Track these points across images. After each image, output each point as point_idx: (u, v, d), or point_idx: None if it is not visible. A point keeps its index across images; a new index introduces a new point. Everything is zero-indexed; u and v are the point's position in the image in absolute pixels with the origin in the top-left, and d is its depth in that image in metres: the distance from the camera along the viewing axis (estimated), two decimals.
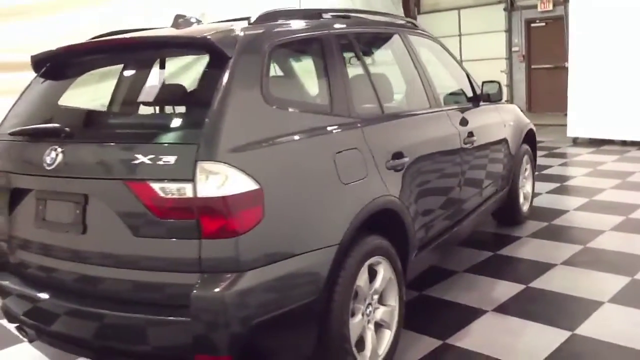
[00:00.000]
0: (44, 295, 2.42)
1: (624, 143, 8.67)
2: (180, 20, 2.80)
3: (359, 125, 2.74)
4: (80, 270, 2.33)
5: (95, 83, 3.20)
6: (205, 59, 2.47)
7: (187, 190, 2.05)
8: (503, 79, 12.67)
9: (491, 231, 4.96)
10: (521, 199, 5.03)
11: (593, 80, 8.70)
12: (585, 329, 3.13)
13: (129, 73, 3.00)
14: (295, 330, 2.32)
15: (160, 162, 2.08)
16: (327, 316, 2.39)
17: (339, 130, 2.61)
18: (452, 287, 3.83)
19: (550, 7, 12.30)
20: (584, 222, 5.06)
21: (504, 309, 3.47)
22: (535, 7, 12.50)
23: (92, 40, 2.72)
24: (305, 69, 2.77)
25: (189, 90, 2.52)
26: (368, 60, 3.03)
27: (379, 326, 2.78)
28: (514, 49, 13.14)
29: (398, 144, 2.94)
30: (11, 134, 2.57)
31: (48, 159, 2.33)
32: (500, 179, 4.50)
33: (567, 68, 11.84)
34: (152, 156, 2.10)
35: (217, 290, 2.04)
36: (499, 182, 4.47)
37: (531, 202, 5.33)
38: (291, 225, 2.25)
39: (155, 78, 2.83)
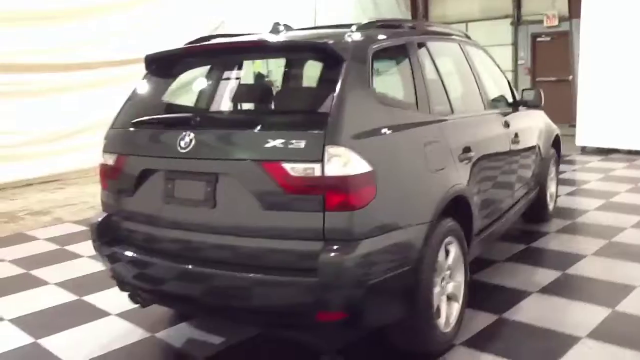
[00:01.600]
0: (170, 263, 2.78)
1: (629, 152, 9.13)
2: (279, 27, 3.18)
3: (437, 121, 3.14)
4: (210, 240, 2.69)
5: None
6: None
7: (316, 169, 2.43)
8: None
9: (520, 228, 5.35)
10: (548, 199, 5.44)
11: (601, 92, 9.16)
12: (623, 306, 3.53)
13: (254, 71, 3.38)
14: (394, 294, 2.69)
15: (292, 146, 2.46)
16: (417, 285, 2.76)
17: (425, 125, 3.01)
18: (496, 273, 4.22)
19: (556, 23, 12.81)
20: (605, 220, 5.48)
21: (547, 290, 3.86)
22: (541, 22, 13.01)
23: (218, 42, 3.09)
24: (394, 70, 3.15)
25: (311, 87, 2.89)
26: (438, 65, 3.42)
27: (449, 299, 3.16)
28: (519, 62, 13.64)
29: (467, 140, 3.35)
30: (140, 122, 2.93)
31: (182, 143, 2.69)
32: (534, 178, 4.91)
33: (570, 81, 12.45)
34: (283, 141, 2.47)
35: (341, 255, 2.41)
36: (532, 181, 4.88)
37: (555, 202, 5.75)
38: (395, 202, 2.63)
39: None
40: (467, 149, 3.31)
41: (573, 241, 4.91)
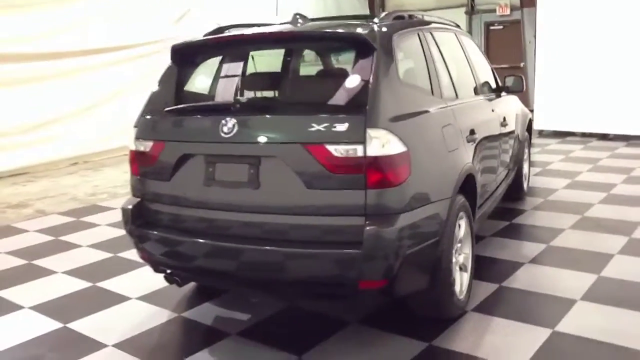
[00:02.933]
0: (213, 242, 2.95)
1: (583, 134, 9.75)
2: (297, 18, 3.37)
3: (448, 106, 3.41)
4: (254, 219, 2.88)
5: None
6: None
7: (358, 150, 2.66)
8: None
9: (499, 206, 5.70)
10: (523, 179, 5.84)
11: (557, 78, 9.73)
12: (606, 272, 3.94)
13: (287, 60, 3.55)
14: (424, 264, 2.96)
15: (335, 129, 2.68)
16: (441, 255, 3.04)
17: (440, 108, 3.28)
18: (487, 247, 4.56)
19: (508, 12, 13.38)
20: (574, 197, 5.94)
21: (537, 261, 4.24)
22: (494, 11, 13.55)
23: (252, 32, 3.25)
24: (411, 59, 3.39)
25: (345, 74, 3.09)
26: (443, 53, 3.70)
27: (460, 269, 3.46)
28: None
29: (471, 123, 3.65)
30: (177, 110, 3.07)
31: (225, 129, 2.86)
32: (513, 159, 5.28)
33: (522, 68, 13.07)
34: (326, 124, 2.69)
35: (383, 227, 2.66)
36: (512, 162, 5.25)
37: (528, 182, 6.17)
38: (425, 179, 2.89)
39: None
40: (472, 132, 3.61)
41: (550, 217, 5.31)
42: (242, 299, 3.81)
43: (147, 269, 4.37)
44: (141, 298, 3.91)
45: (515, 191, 5.73)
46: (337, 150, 2.67)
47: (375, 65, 2.81)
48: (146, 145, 3.16)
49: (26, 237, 5.55)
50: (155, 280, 4.12)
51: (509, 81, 4.96)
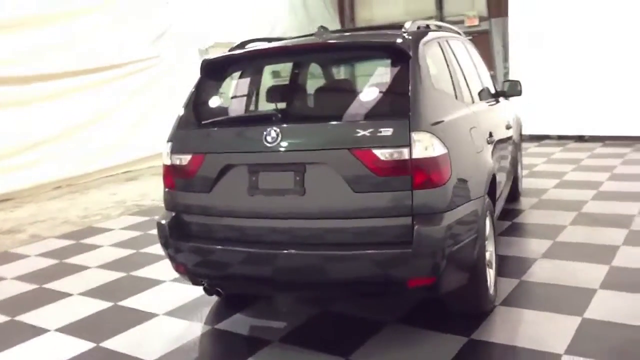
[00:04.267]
0: (259, 250, 3.00)
1: (559, 137, 10.11)
2: (322, 31, 3.48)
3: (471, 110, 3.56)
4: (300, 225, 2.94)
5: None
6: None
7: (404, 153, 2.76)
8: None
9: None
10: (519, 180, 6.05)
11: (531, 85, 10.02)
12: (616, 262, 4.14)
13: (325, 69, 3.64)
14: (465, 260, 3.07)
15: (380, 134, 2.78)
16: (478, 252, 3.16)
17: (465, 112, 3.42)
18: (497, 246, 4.70)
19: (476, 23, 13.82)
20: (566, 196, 6.18)
21: (548, 255, 4.40)
22: (462, 22, 13.95)
23: (286, 45, 3.33)
24: (436, 66, 3.53)
25: (383, 81, 3.20)
26: (459, 60, 3.86)
27: (487, 266, 3.58)
28: None
29: (489, 126, 3.81)
30: (216, 122, 3.12)
31: (269, 138, 2.93)
32: (512, 162, 5.47)
33: (492, 76, 13.46)
34: (372, 130, 2.79)
35: (432, 226, 2.76)
36: (512, 164, 5.44)
37: (521, 183, 6.39)
38: (463, 179, 3.01)
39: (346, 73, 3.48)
40: (490, 134, 3.77)
41: (548, 215, 5.51)
42: (272, 308, 3.86)
43: (166, 286, 4.43)
44: (168, 314, 3.90)
45: (512, 192, 5.91)
46: (383, 154, 2.77)
47: (412, 72, 2.94)
48: (184, 159, 3.19)
49: (29, 262, 5.45)
50: (178, 296, 4.16)
51: (506, 86, 5.16)
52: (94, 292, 4.44)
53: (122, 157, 10.10)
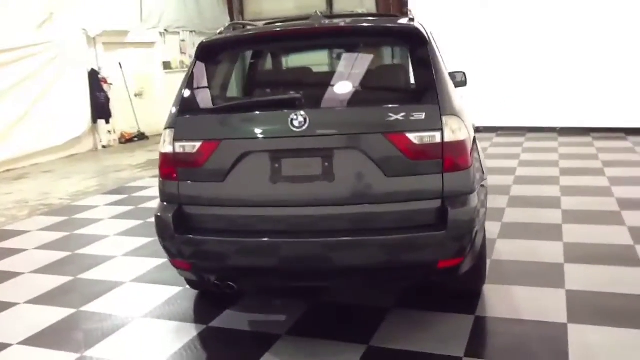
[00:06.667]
0: (285, 240, 2.87)
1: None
2: (320, 15, 3.39)
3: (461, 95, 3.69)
4: (331, 211, 2.85)
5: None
6: None
7: (436, 137, 2.80)
8: None
9: None
10: None
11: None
12: (567, 238, 4.51)
13: (342, 54, 3.49)
14: (481, 240, 3.16)
15: (413, 118, 2.78)
16: (484, 232, 3.29)
17: (462, 97, 3.53)
18: None
19: None
20: (491, 181, 6.53)
21: (503, 235, 4.68)
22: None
23: (297, 27, 3.18)
24: None
25: (405, 66, 3.17)
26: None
27: None
28: None
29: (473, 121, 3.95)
30: (228, 107, 2.93)
31: (296, 123, 2.81)
32: None
33: None
34: (404, 114, 2.79)
35: (462, 208, 2.82)
36: None
37: None
38: (477, 163, 3.11)
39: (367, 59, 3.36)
40: (477, 130, 3.92)
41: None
42: (262, 302, 3.71)
43: (130, 287, 4.14)
44: (149, 315, 3.61)
45: None
46: (417, 137, 2.79)
47: (432, 57, 2.98)
48: (192, 146, 2.96)
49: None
50: (149, 296, 3.94)
51: (457, 77, 5.37)
52: (44, 299, 3.98)
53: (3, 154, 9.22)
